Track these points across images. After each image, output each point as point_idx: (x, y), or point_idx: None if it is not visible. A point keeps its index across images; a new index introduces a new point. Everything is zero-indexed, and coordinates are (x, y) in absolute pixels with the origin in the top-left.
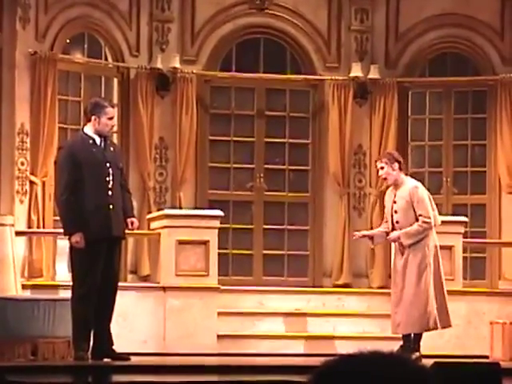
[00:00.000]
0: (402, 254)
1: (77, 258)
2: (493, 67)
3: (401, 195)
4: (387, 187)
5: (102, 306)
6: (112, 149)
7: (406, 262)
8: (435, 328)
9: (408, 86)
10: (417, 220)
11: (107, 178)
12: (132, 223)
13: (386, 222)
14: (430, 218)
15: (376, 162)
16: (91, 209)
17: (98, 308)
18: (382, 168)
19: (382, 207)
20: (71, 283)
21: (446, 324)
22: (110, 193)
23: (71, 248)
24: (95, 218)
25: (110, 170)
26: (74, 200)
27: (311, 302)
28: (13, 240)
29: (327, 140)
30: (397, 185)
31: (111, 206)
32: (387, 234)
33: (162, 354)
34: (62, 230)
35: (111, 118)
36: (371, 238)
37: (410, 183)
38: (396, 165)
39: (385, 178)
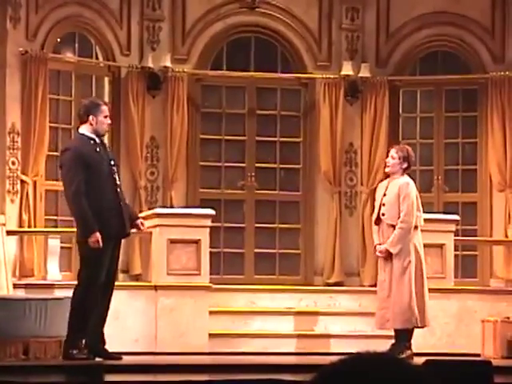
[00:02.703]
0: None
1: (90, 258)
2: (483, 65)
3: (392, 189)
4: (381, 180)
5: (99, 305)
6: (108, 148)
7: (391, 260)
8: (416, 325)
9: (399, 85)
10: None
11: (114, 176)
12: (142, 224)
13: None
14: (409, 216)
15: (391, 148)
16: (106, 208)
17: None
18: (393, 158)
19: (373, 201)
20: (81, 282)
21: (423, 324)
22: (118, 190)
23: (83, 248)
24: (111, 217)
25: (115, 168)
26: (88, 201)
27: (303, 301)
28: (4, 239)
29: (318, 138)
30: (393, 178)
31: (121, 204)
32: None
33: (153, 353)
34: (53, 230)
35: (107, 116)
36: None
37: (403, 179)
38: (405, 164)
39: (387, 166)
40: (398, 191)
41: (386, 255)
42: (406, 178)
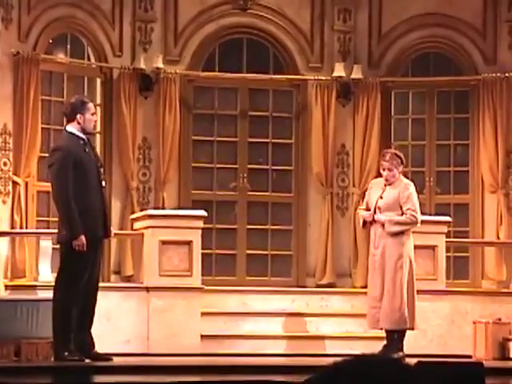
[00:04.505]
0: (377, 249)
1: (73, 260)
2: (475, 67)
3: (390, 192)
4: (375, 177)
5: (85, 306)
6: (93, 148)
7: (384, 260)
8: (406, 327)
9: (391, 86)
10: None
11: (100, 178)
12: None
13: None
14: (417, 212)
15: (380, 160)
16: (91, 209)
17: (81, 309)
18: (390, 169)
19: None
20: (60, 284)
21: (412, 326)
22: (103, 192)
23: (65, 249)
24: (96, 218)
25: (101, 169)
26: (76, 202)
27: (295, 302)
28: None
29: (310, 140)
30: (391, 182)
31: (106, 204)
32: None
33: (145, 354)
34: (45, 231)
35: (94, 114)
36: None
37: (402, 182)
38: (401, 167)
39: (388, 180)
40: (398, 194)
41: (367, 220)
42: (406, 180)
